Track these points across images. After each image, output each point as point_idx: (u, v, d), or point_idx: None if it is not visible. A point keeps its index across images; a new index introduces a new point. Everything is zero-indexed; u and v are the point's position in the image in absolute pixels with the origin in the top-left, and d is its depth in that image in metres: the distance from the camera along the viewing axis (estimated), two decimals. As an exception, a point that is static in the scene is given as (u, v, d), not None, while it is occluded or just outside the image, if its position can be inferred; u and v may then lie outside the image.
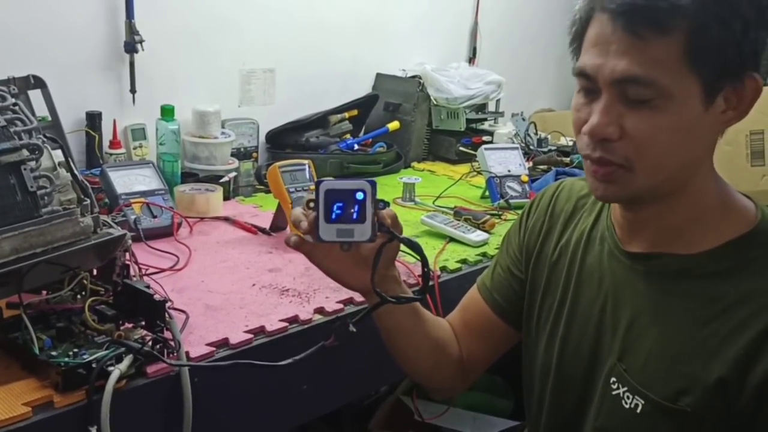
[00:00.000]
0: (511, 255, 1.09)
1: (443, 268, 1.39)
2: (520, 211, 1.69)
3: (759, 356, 0.78)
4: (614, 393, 0.88)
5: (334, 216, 0.83)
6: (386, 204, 0.85)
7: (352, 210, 0.83)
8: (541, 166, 2.10)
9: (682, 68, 0.76)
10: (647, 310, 0.87)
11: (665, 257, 0.86)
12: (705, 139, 0.82)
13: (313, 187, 0.88)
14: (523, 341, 1.05)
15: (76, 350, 0.91)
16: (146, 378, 0.94)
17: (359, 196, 0.83)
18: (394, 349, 1.05)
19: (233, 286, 1.24)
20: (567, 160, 2.09)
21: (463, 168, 2.12)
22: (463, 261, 1.44)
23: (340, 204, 0.83)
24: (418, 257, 0.88)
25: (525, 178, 1.84)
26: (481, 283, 1.12)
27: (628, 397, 0.87)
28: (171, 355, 0.96)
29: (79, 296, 1.00)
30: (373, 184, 0.84)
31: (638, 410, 0.86)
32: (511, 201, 1.78)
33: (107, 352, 0.91)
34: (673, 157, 0.80)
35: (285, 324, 1.11)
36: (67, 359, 0.89)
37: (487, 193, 1.86)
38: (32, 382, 0.89)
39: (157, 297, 0.97)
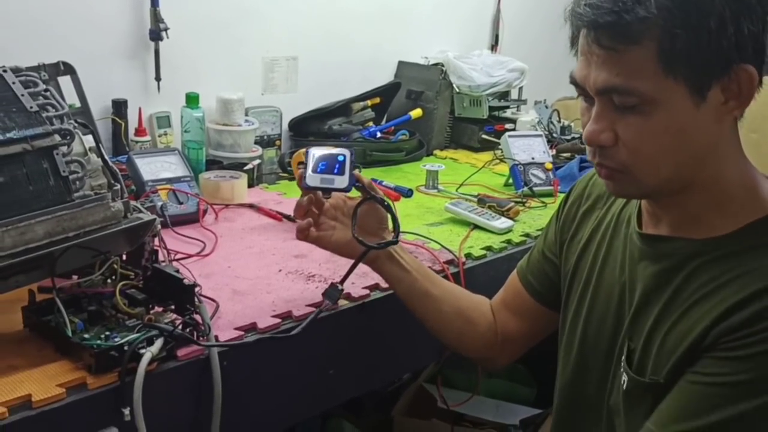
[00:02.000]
0: (548, 239, 1.11)
1: (468, 255, 1.39)
2: (544, 199, 1.73)
3: (720, 322, 0.79)
4: (621, 372, 0.91)
5: (318, 169, 1.05)
6: (360, 168, 1.08)
7: (334, 166, 1.05)
8: (565, 154, 2.09)
9: (660, 74, 0.77)
10: (653, 291, 0.89)
11: (680, 241, 0.87)
12: (704, 134, 0.81)
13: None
14: (559, 328, 1.07)
15: (107, 333, 0.93)
16: (177, 361, 0.95)
17: (341, 158, 1.06)
18: (417, 316, 1.13)
19: (260, 271, 1.25)
20: (591, 147, 2.07)
21: (486, 156, 2.11)
22: (488, 248, 1.44)
23: (325, 162, 1.06)
24: (388, 211, 1.09)
25: (549, 166, 1.83)
26: (519, 265, 1.16)
27: (625, 376, 0.90)
28: (201, 339, 0.97)
29: (109, 280, 1.01)
30: (352, 152, 1.07)
31: (624, 387, 0.90)
32: (535, 189, 1.77)
33: (139, 335, 0.91)
34: (668, 157, 0.81)
35: (312, 309, 1.12)
36: (99, 342, 0.90)
37: (510, 181, 1.85)
38: (66, 364, 0.90)
39: (186, 281, 0.98)
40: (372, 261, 1.09)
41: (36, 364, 0.90)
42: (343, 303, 1.16)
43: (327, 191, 1.06)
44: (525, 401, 1.89)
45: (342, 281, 1.10)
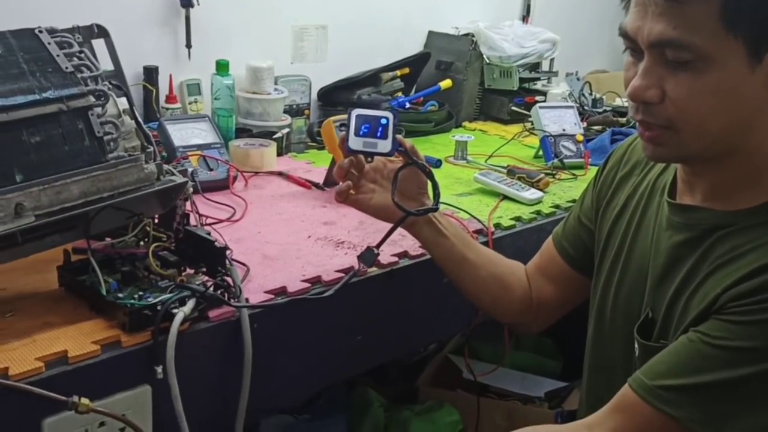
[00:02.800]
0: (584, 205, 1.10)
1: (497, 225, 1.39)
2: (574, 171, 1.71)
3: (732, 287, 0.79)
4: (636, 339, 0.91)
5: (361, 132, 1.03)
6: (402, 131, 1.06)
7: (377, 129, 1.03)
8: (596, 127, 2.06)
9: (721, 31, 0.74)
10: (676, 261, 0.88)
11: (707, 212, 0.86)
12: (754, 99, 0.78)
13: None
14: (591, 294, 1.06)
15: (141, 293, 0.94)
16: (208, 321, 0.96)
17: (383, 120, 1.03)
18: (453, 280, 1.13)
19: (289, 237, 1.25)
20: (623, 120, 2.04)
21: (515, 128, 2.09)
22: (517, 218, 1.43)
23: (367, 125, 1.03)
24: (429, 178, 1.08)
25: (580, 138, 1.81)
26: (555, 232, 1.15)
27: (636, 343, 0.90)
28: (232, 301, 0.98)
29: (142, 242, 1.02)
30: (396, 115, 1.04)
31: (637, 354, 0.90)
32: (565, 161, 1.75)
33: (171, 295, 0.93)
34: (716, 119, 0.79)
35: (341, 275, 1.12)
36: (133, 301, 0.92)
37: (540, 153, 1.83)
38: (100, 323, 0.92)
39: (218, 243, 0.99)
40: (410, 225, 1.09)
41: (71, 321, 0.92)
42: (371, 270, 1.17)
43: (369, 155, 1.04)
44: (551, 374, 1.88)
45: (378, 245, 1.10)
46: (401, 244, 1.23)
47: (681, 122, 0.79)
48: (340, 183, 1.06)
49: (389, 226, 1.09)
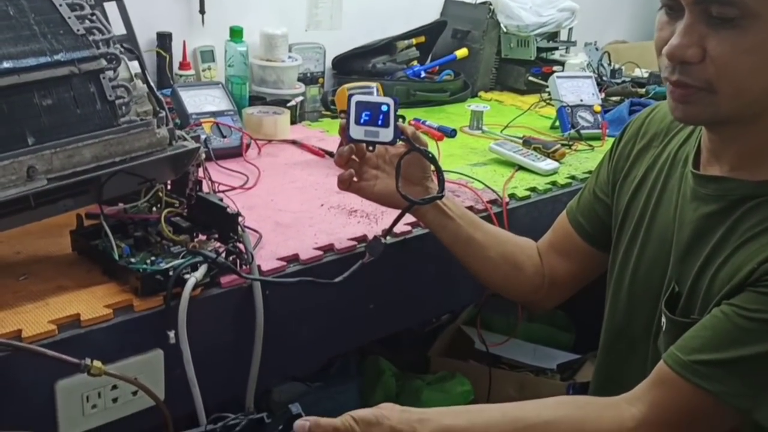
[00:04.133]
0: (599, 179, 1.08)
1: (512, 196, 1.37)
2: (591, 142, 1.69)
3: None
4: (664, 313, 0.90)
5: (362, 120, 1.01)
6: (404, 118, 1.05)
7: (378, 117, 1.01)
8: (614, 98, 2.03)
9: None
10: (703, 234, 0.87)
11: (734, 182, 0.85)
12: None
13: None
14: (608, 267, 1.05)
15: (153, 258, 0.94)
16: (220, 288, 0.96)
17: (384, 108, 1.01)
18: (462, 262, 1.12)
19: (302, 205, 1.25)
20: (642, 91, 2.01)
21: (532, 99, 2.06)
22: (532, 189, 1.41)
23: (368, 112, 1.01)
24: (433, 164, 1.05)
25: (597, 108, 1.78)
26: (569, 207, 1.13)
27: (664, 318, 0.89)
28: (244, 267, 0.98)
29: (154, 208, 1.02)
30: (397, 102, 1.02)
31: (664, 328, 0.89)
32: (582, 131, 1.72)
33: (183, 260, 0.93)
34: (757, 79, 0.77)
35: (354, 243, 1.12)
36: (145, 266, 0.92)
37: (557, 124, 1.81)
38: (113, 287, 0.92)
39: (230, 210, 0.99)
40: (415, 210, 1.08)
41: (84, 285, 0.92)
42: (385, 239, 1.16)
43: (371, 144, 1.02)
44: (563, 346, 1.88)
45: (385, 235, 1.09)
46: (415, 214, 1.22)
47: (720, 82, 0.77)
48: (342, 171, 1.05)
49: None
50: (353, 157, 1.05)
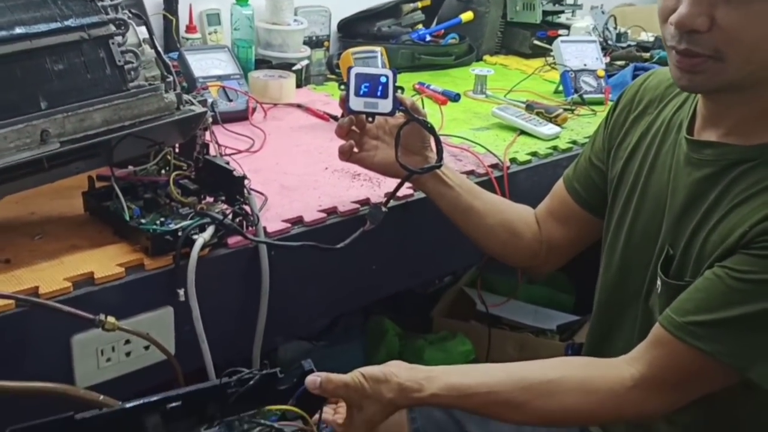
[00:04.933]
0: (595, 146, 1.10)
1: (513, 160, 1.39)
2: (594, 107, 1.70)
3: (761, 222, 0.80)
4: (659, 276, 0.92)
5: (361, 92, 1.02)
6: (403, 89, 1.06)
7: (377, 89, 1.03)
8: (619, 62, 2.03)
9: None
10: (696, 197, 0.89)
11: (727, 147, 0.87)
12: None
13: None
14: (603, 231, 1.08)
15: (162, 219, 0.97)
16: (227, 248, 0.99)
17: (383, 79, 1.03)
18: (462, 229, 1.14)
19: (307, 169, 1.28)
20: (647, 55, 2.01)
21: (537, 63, 2.06)
22: (533, 154, 1.44)
23: (368, 84, 1.03)
24: (432, 134, 1.07)
25: (601, 73, 1.78)
26: (565, 174, 1.15)
27: (659, 281, 0.92)
28: (250, 229, 1.01)
29: (163, 171, 1.05)
30: (395, 73, 1.04)
31: (658, 291, 0.91)
32: (585, 96, 1.73)
33: (191, 222, 0.96)
34: (766, 47, 0.78)
35: (357, 206, 1.15)
36: (155, 227, 0.95)
37: (560, 88, 1.82)
38: (124, 247, 0.96)
39: (236, 173, 1.01)
40: (414, 179, 1.10)
41: (96, 245, 0.96)
42: (387, 201, 1.19)
43: (371, 115, 1.04)
44: (563, 308, 1.92)
45: (386, 203, 1.11)
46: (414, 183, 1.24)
47: (728, 50, 0.78)
48: (342, 142, 1.07)
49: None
50: (353, 128, 1.07)
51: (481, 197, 1.14)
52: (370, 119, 1.05)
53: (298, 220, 1.09)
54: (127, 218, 0.96)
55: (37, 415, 0.71)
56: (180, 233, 0.94)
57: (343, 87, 1.05)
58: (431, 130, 1.07)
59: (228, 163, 1.05)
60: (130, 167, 1.04)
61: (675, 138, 0.95)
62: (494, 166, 1.35)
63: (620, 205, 1.02)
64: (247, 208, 1.02)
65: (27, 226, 0.99)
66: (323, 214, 1.11)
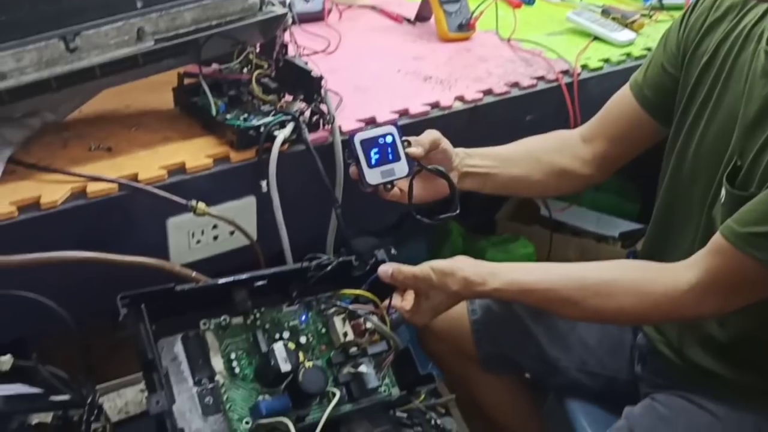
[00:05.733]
0: (667, 51, 1.08)
1: (584, 66, 1.39)
2: (672, 13, 1.66)
3: None
4: (724, 186, 0.93)
5: (373, 162, 0.95)
6: (409, 143, 0.98)
7: (387, 152, 0.96)
8: (705, -35, 1.95)
9: None
10: None
11: None
12: None
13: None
14: (670, 138, 1.08)
15: (245, 116, 1.04)
16: (305, 145, 1.05)
17: (389, 138, 0.96)
18: (514, 196, 1.19)
19: (380, 70, 1.32)
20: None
21: (618, -36, 2.00)
22: (606, 60, 1.43)
23: (376, 149, 0.95)
24: (446, 180, 1.00)
25: (684, -23, 1.72)
26: (633, 80, 1.13)
27: (724, 191, 0.92)
28: (326, 127, 1.07)
29: (245, 69, 1.11)
30: (398, 126, 0.97)
31: (722, 200, 0.92)
32: (664, 1, 1.68)
33: (272, 118, 1.02)
34: None
35: (427, 108, 1.19)
36: (239, 122, 1.02)
37: (640, -8, 1.77)
38: (211, 140, 1.03)
39: (314, 73, 1.06)
40: (451, 181, 1.04)
41: (186, 137, 1.04)
42: (456, 105, 1.22)
43: (390, 184, 0.98)
44: (628, 216, 1.92)
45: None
46: (486, 81, 1.27)
47: None
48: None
49: None
50: None
51: (517, 161, 1.13)
52: (389, 187, 0.98)
53: (371, 120, 1.14)
54: (214, 113, 1.03)
55: (139, 287, 0.81)
56: (262, 129, 1.00)
57: (350, 160, 0.97)
58: (445, 176, 1.01)
59: (306, 64, 1.10)
60: (215, 65, 1.11)
61: (754, 48, 0.94)
62: (565, 72, 1.36)
63: (693, 112, 1.02)
64: (323, 107, 1.07)
65: (124, 118, 1.07)
66: (395, 115, 1.16)
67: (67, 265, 0.85)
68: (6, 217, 0.85)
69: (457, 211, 1.03)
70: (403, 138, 0.98)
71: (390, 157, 0.97)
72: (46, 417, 0.81)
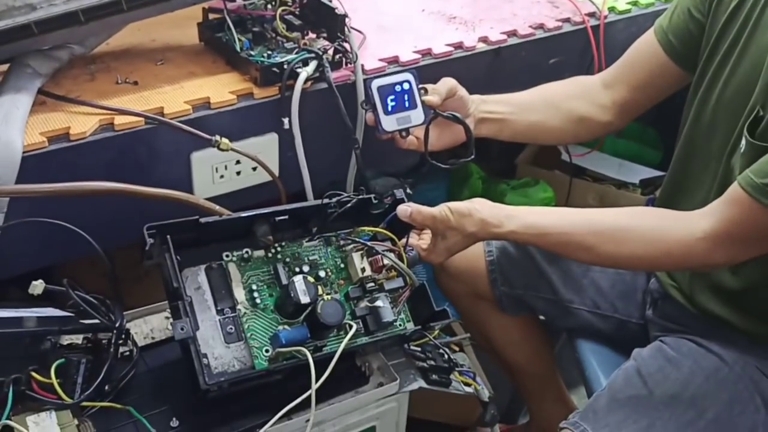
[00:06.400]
0: None
1: (612, 9, 1.37)
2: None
3: None
4: (744, 136, 0.93)
5: (390, 108, 0.97)
6: (426, 91, 1.00)
7: (404, 99, 0.97)
8: None
9: None
10: None
11: None
12: None
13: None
14: (692, 85, 1.08)
15: (269, 53, 1.05)
16: (328, 83, 1.06)
17: (406, 85, 0.98)
18: (532, 143, 1.21)
19: (403, 10, 1.31)
20: None
21: None
22: (634, 3, 1.41)
23: (393, 96, 0.97)
24: (463, 125, 1.03)
25: None
26: (657, 26, 1.12)
27: (744, 140, 0.92)
28: (348, 65, 1.08)
29: (269, 6, 1.11)
30: (414, 72, 0.98)
31: (742, 150, 0.92)
32: (699, -57, 1.64)
33: (296, 56, 1.03)
34: None
35: (450, 49, 1.19)
36: (263, 59, 1.03)
37: (673, -67, 1.72)
38: (235, 76, 1.04)
39: (338, 11, 1.06)
40: (468, 129, 1.07)
41: (211, 73, 1.05)
42: (479, 46, 1.22)
43: (405, 131, 1.00)
44: (650, 163, 1.92)
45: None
46: (511, 23, 1.26)
47: None
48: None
49: None
50: None
51: (534, 107, 1.13)
52: (404, 134, 1.01)
53: (393, 60, 1.14)
54: (238, 49, 1.04)
55: (163, 218, 0.84)
56: (285, 66, 1.01)
57: (367, 107, 1.00)
58: (462, 122, 1.03)
59: (330, 1, 1.09)
60: (240, 1, 1.11)
61: None
62: (591, 15, 1.34)
63: (717, 60, 1.01)
64: (346, 45, 1.07)
65: (150, 53, 1.08)
66: (418, 56, 1.16)
67: (95, 196, 0.88)
68: (36, 147, 0.88)
69: (472, 156, 1.04)
70: (420, 86, 0.99)
71: (406, 104, 0.98)
72: (77, 339, 0.85)
